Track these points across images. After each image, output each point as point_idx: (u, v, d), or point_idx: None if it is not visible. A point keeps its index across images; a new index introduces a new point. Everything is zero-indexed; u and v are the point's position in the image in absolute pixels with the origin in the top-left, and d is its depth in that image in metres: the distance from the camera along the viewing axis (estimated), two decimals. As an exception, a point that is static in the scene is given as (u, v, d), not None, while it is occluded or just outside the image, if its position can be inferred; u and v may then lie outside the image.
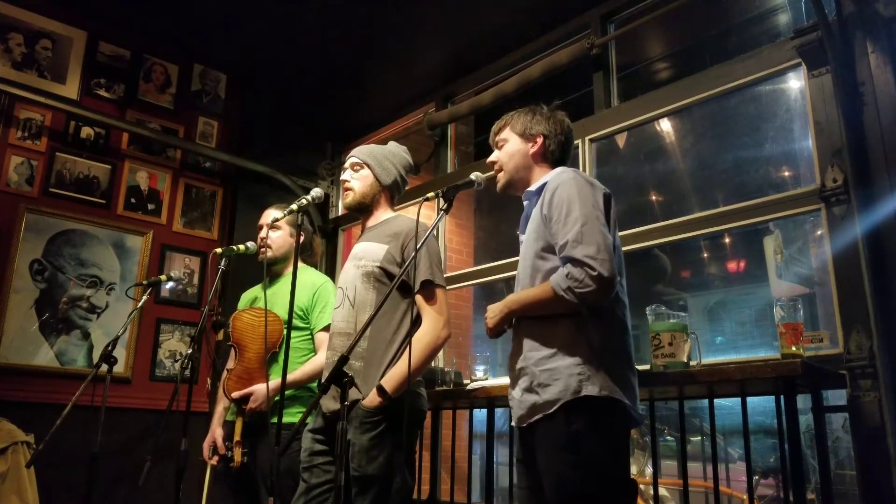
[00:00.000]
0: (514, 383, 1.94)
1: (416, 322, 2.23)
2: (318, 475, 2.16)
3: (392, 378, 2.09)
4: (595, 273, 1.71)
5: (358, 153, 2.46)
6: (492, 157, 2.13)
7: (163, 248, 4.10)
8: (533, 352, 1.86)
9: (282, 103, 4.75)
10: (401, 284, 2.20)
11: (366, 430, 2.06)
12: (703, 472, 3.84)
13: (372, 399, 2.07)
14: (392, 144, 2.54)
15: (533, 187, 2.02)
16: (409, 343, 2.08)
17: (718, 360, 2.77)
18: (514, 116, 2.11)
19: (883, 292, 2.23)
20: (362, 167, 2.43)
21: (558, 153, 2.07)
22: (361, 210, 2.44)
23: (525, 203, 2.08)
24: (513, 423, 1.96)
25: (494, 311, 1.94)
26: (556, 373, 1.78)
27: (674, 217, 3.00)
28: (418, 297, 2.23)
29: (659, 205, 4.71)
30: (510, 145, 2.08)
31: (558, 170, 2.01)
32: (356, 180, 2.42)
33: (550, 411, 1.76)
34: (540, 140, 2.05)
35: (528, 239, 1.98)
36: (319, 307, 2.74)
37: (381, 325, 2.19)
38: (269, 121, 4.73)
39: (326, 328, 2.65)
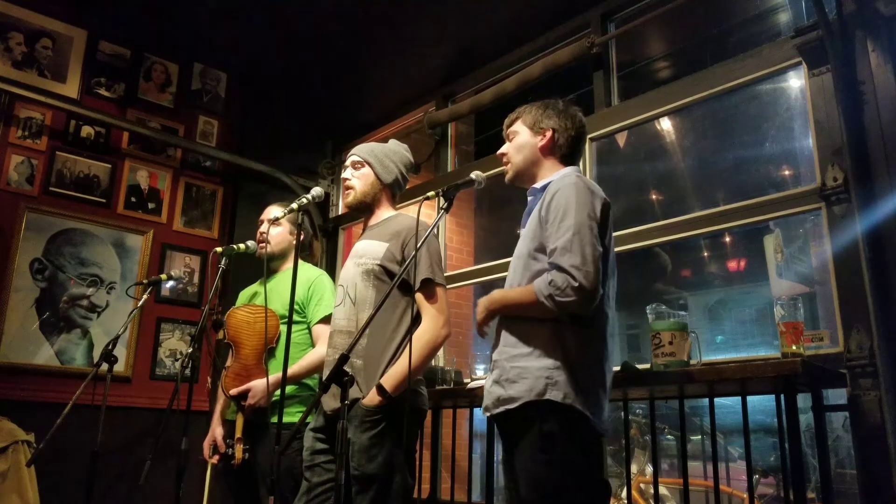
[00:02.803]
0: (488, 375, 1.97)
1: (416, 320, 2.23)
2: (320, 474, 2.16)
3: (392, 377, 2.09)
4: (577, 284, 1.72)
5: (358, 151, 2.46)
6: (501, 150, 2.13)
7: (163, 247, 4.10)
8: (508, 347, 1.89)
9: (282, 102, 4.74)
10: (401, 283, 2.20)
11: (366, 428, 2.06)
12: (704, 471, 3.84)
13: (372, 398, 2.07)
14: (392, 142, 2.53)
15: (538, 184, 2.02)
16: (410, 341, 2.08)
17: (719, 358, 2.77)
18: (527, 109, 2.10)
19: (883, 291, 2.23)
20: (363, 165, 2.43)
21: (567, 148, 2.06)
22: (363, 209, 2.44)
23: (529, 199, 2.08)
24: (482, 413, 1.99)
25: (480, 306, 1.96)
26: (525, 372, 1.81)
27: (674, 216, 3.00)
28: (418, 296, 2.22)
29: (659, 204, 4.71)
30: (520, 138, 2.08)
31: (564, 171, 2.01)
32: (357, 179, 2.42)
33: (512, 406, 1.80)
34: (549, 134, 2.04)
35: (525, 236, 1.99)
36: (315, 300, 2.74)
37: (381, 322, 2.19)
38: (269, 119, 4.72)
39: (323, 321, 2.66)
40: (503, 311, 1.93)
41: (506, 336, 1.92)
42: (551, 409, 1.75)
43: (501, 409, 1.83)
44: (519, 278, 1.94)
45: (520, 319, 1.89)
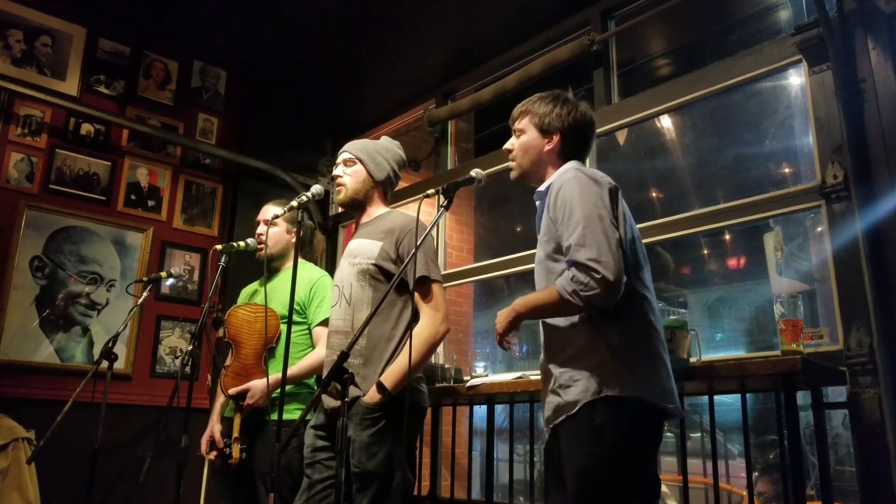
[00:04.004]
0: (543, 386, 1.94)
1: (415, 318, 2.22)
2: (321, 471, 2.16)
3: (391, 374, 2.09)
4: (599, 276, 1.69)
5: (350, 148, 2.45)
6: (507, 145, 2.09)
7: (163, 245, 4.10)
8: (555, 355, 1.87)
9: (282, 100, 4.74)
10: (398, 281, 2.20)
11: (366, 426, 2.06)
12: (703, 468, 3.84)
13: (372, 396, 2.07)
14: (385, 139, 2.52)
15: (543, 187, 1.99)
16: (410, 338, 2.08)
17: (718, 356, 2.77)
18: (536, 105, 2.03)
19: (883, 289, 2.23)
20: (355, 163, 2.42)
21: (574, 150, 2.02)
22: (355, 206, 2.42)
23: (537, 203, 2.05)
24: (543, 426, 1.96)
25: (503, 315, 1.91)
26: (576, 374, 1.78)
27: (674, 214, 3.00)
28: (415, 294, 2.22)
29: (659, 201, 4.71)
30: (527, 138, 2.03)
31: (564, 167, 1.99)
32: (348, 176, 2.40)
33: (573, 412, 1.76)
34: (556, 138, 2.00)
35: (541, 240, 1.96)
36: (317, 301, 2.74)
37: (379, 322, 2.19)
38: (269, 117, 4.72)
39: (324, 322, 2.65)
40: (529, 315, 1.89)
41: (548, 343, 1.90)
42: (608, 402, 1.72)
43: (563, 416, 1.79)
44: (544, 281, 1.92)
45: (558, 324, 1.87)
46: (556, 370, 1.84)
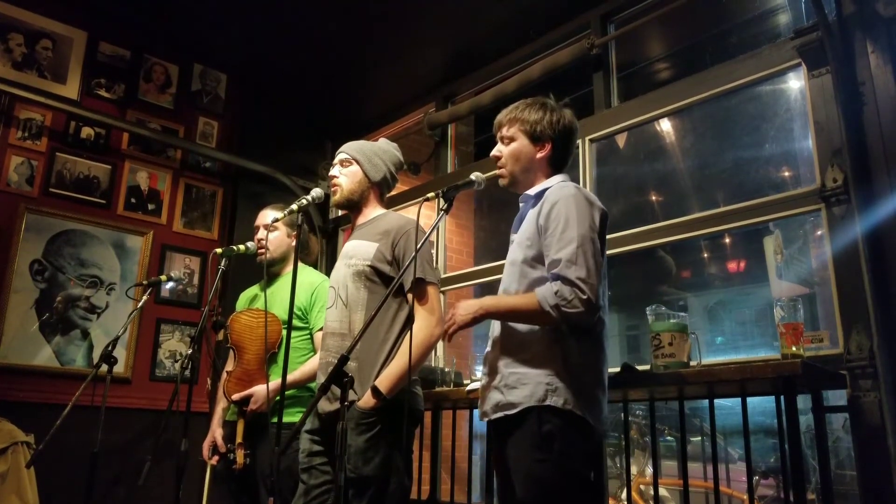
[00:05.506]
0: (486, 382, 1.96)
1: (410, 320, 2.22)
2: (317, 476, 2.16)
3: (386, 378, 2.08)
4: (585, 297, 1.73)
5: (347, 149, 2.45)
6: (495, 152, 2.06)
7: (163, 248, 4.09)
8: (508, 354, 1.89)
9: (282, 103, 4.74)
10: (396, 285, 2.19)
11: (361, 431, 2.05)
12: (704, 472, 3.84)
13: (367, 400, 2.06)
14: (382, 141, 2.53)
15: (532, 191, 2.00)
16: (410, 341, 2.06)
17: (719, 360, 2.77)
18: (525, 112, 2.02)
19: (883, 292, 2.23)
20: (351, 163, 2.42)
21: (562, 157, 2.04)
22: (350, 207, 2.42)
23: (521, 205, 2.06)
24: (479, 418, 2.00)
25: (468, 308, 1.89)
26: (524, 377, 1.82)
27: (674, 217, 3.00)
28: (410, 296, 2.22)
29: (659, 205, 4.71)
30: (517, 145, 2.01)
31: (560, 180, 1.99)
32: (344, 176, 2.40)
33: (512, 412, 1.81)
34: (548, 146, 2.00)
35: (520, 244, 1.96)
36: (318, 306, 2.73)
37: (374, 324, 2.17)
38: (269, 120, 4.72)
39: None
40: (498, 316, 1.91)
41: (505, 342, 1.91)
42: (551, 412, 1.76)
43: (500, 414, 1.84)
44: (516, 285, 1.93)
45: (520, 326, 1.89)
46: (505, 369, 1.87)
